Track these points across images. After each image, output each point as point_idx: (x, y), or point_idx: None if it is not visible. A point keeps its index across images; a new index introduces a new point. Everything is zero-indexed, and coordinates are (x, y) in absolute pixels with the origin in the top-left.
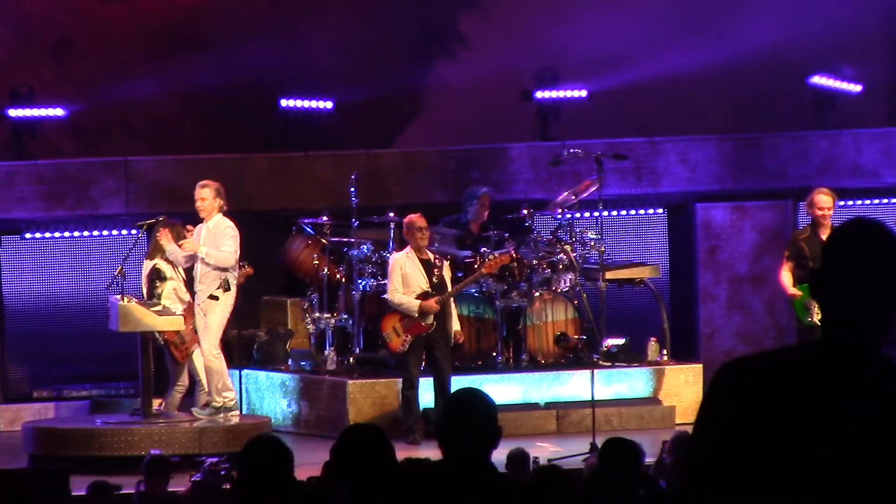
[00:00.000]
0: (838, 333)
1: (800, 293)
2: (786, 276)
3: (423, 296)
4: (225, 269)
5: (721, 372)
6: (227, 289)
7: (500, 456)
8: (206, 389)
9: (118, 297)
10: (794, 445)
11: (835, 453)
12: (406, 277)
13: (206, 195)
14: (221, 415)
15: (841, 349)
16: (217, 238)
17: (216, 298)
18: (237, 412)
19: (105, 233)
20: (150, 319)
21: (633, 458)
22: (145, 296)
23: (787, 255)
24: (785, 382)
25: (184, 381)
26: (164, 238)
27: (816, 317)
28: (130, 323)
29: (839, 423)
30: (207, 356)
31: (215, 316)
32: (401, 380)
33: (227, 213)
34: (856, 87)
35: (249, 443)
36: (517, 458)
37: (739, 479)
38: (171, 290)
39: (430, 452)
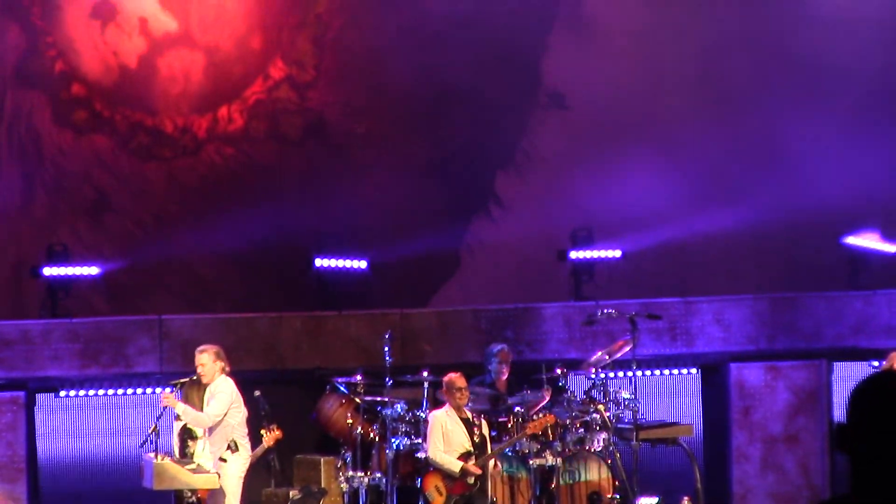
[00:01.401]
0: (870, 488)
1: None
2: None
3: (465, 455)
4: (231, 430)
5: None
6: (235, 450)
7: None
8: None
9: (152, 455)
10: None
11: None
12: (447, 435)
13: (206, 360)
14: None
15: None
16: (210, 399)
17: (225, 461)
18: None
19: (139, 391)
20: (184, 477)
21: None
22: (177, 454)
23: None
24: None
25: None
26: (169, 400)
27: None
28: (165, 481)
29: None
30: None
31: (229, 479)
32: None
33: (231, 374)
34: (891, 248)
35: None
36: None
37: None
38: (203, 449)
39: None
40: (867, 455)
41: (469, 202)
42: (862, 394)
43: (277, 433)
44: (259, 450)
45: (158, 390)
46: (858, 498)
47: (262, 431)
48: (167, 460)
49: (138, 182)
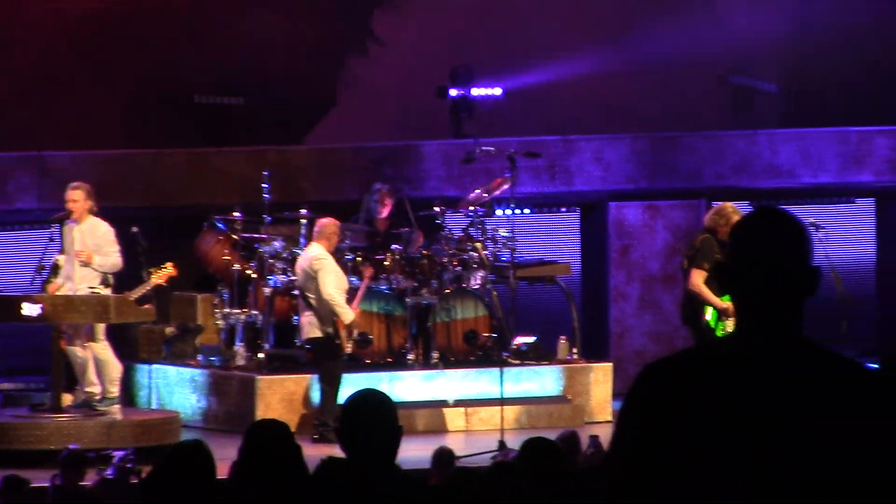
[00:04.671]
0: (756, 323)
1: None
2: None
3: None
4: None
5: (645, 373)
6: (107, 285)
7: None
8: (94, 382)
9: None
10: (725, 439)
11: (767, 443)
12: (338, 276)
13: (79, 197)
14: (116, 406)
15: (761, 338)
16: (98, 242)
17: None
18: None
19: (17, 227)
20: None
21: (555, 458)
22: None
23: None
24: (710, 378)
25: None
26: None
27: (730, 326)
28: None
29: (769, 413)
30: (99, 348)
31: None
32: (312, 376)
33: (97, 214)
34: (772, 88)
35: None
36: (442, 456)
37: (666, 477)
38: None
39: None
40: (746, 292)
41: (344, 40)
42: (741, 230)
43: (172, 271)
44: (145, 286)
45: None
46: (743, 335)
47: (151, 270)
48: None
49: (24, 18)
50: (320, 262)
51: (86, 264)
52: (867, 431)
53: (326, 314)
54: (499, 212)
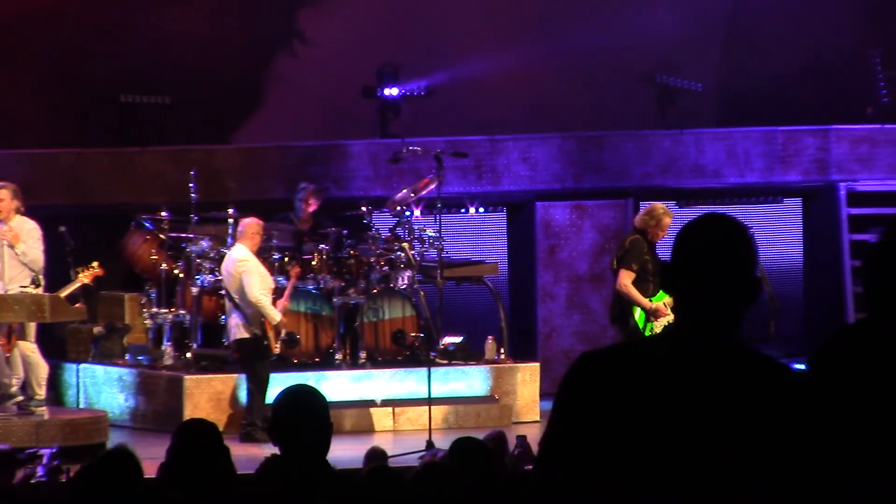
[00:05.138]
0: (693, 325)
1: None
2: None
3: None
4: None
5: (579, 363)
6: (37, 285)
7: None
8: (26, 383)
9: None
10: (653, 434)
11: (693, 441)
12: (264, 277)
13: (4, 196)
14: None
15: (697, 339)
16: (25, 239)
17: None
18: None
19: None
20: None
21: (484, 458)
22: None
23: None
24: (641, 372)
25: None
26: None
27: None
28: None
29: (697, 412)
30: (29, 349)
31: None
32: (240, 376)
33: (24, 213)
34: (698, 86)
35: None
36: (376, 457)
37: (598, 468)
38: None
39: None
40: (688, 295)
41: (270, 39)
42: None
43: (98, 271)
44: (73, 285)
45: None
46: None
47: (79, 269)
48: None
49: None
50: (244, 265)
51: (11, 246)
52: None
53: (253, 315)
54: (417, 212)
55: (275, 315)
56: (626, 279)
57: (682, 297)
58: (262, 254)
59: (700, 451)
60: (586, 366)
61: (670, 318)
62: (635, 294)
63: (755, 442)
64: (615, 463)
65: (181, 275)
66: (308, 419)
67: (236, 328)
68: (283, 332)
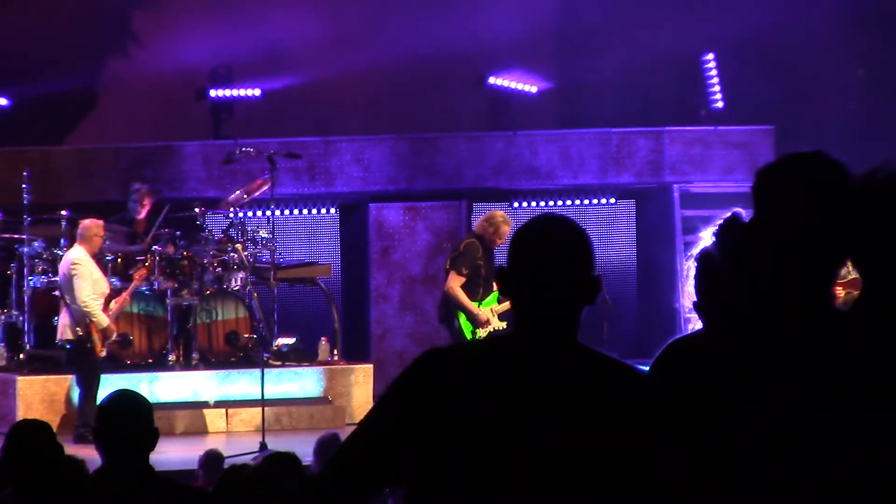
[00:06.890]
0: (535, 326)
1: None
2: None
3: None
4: None
5: (424, 358)
6: None
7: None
8: None
9: None
10: (498, 434)
11: (540, 441)
12: (96, 282)
13: None
14: None
15: (541, 341)
16: None
17: None
18: None
19: None
20: None
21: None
22: None
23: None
24: (489, 373)
25: None
26: None
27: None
28: None
29: (545, 413)
30: None
31: None
32: (73, 377)
33: None
34: (532, 89)
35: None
36: (212, 458)
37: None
38: None
39: None
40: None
41: (104, 40)
42: (524, 235)
43: None
44: None
45: None
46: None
47: None
48: None
49: None
50: (76, 269)
51: None
52: (630, 432)
53: (81, 317)
54: (250, 213)
55: (102, 320)
56: (454, 282)
57: (521, 299)
58: (97, 255)
59: (547, 451)
60: (431, 362)
61: (496, 325)
62: (462, 298)
63: (603, 442)
64: (449, 463)
65: (13, 275)
66: (130, 424)
67: (64, 328)
68: (115, 335)
